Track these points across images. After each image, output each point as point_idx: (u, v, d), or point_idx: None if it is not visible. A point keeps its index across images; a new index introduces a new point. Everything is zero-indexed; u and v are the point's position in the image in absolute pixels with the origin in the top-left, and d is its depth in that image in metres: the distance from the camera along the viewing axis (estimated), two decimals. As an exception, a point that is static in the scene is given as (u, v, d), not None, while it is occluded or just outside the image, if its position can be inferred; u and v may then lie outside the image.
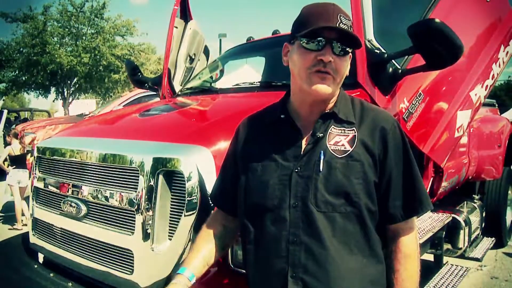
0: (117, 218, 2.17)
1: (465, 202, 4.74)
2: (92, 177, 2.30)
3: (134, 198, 2.06)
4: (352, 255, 1.39)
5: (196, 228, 1.94)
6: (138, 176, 2.06)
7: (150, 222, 2.01)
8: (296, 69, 1.44)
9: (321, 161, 1.39)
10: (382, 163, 1.43)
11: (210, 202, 1.80)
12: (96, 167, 2.29)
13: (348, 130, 1.44)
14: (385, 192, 1.45)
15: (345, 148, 1.41)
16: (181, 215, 1.97)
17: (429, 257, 3.83)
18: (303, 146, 1.44)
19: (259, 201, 1.46)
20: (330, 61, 1.36)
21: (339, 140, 1.43)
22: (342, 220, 1.38)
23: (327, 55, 1.36)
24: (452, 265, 3.81)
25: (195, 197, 1.93)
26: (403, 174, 1.46)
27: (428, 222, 3.63)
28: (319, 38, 1.37)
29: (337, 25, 1.35)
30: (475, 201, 4.91)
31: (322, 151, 1.41)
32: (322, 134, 1.43)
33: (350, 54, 1.45)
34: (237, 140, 1.62)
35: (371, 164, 1.41)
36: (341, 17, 1.36)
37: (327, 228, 1.37)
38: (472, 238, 4.33)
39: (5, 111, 13.68)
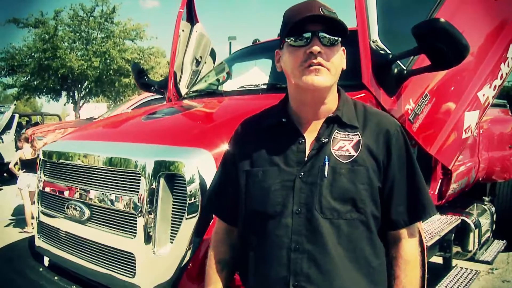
0: (119, 221, 2.17)
1: (475, 204, 4.67)
2: (95, 181, 2.31)
3: (135, 201, 2.06)
4: (356, 263, 1.35)
5: (198, 231, 1.94)
6: (140, 179, 2.06)
7: (152, 225, 2.01)
8: (289, 69, 1.41)
9: (326, 166, 1.36)
10: (385, 168, 1.40)
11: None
12: (99, 170, 2.30)
13: (352, 135, 1.41)
14: (388, 197, 1.41)
15: (349, 153, 1.38)
16: (182, 218, 1.96)
17: (438, 260, 3.78)
18: (307, 151, 1.41)
19: (260, 208, 1.43)
20: (320, 52, 1.34)
21: (343, 145, 1.40)
22: (347, 227, 1.35)
23: (315, 46, 1.33)
24: (462, 268, 3.75)
25: (196, 200, 1.93)
26: (407, 179, 1.43)
27: (437, 225, 3.59)
28: (305, 34, 1.35)
29: (320, 14, 1.33)
30: (485, 203, 4.83)
31: (326, 157, 1.38)
32: (326, 139, 1.40)
33: (343, 48, 1.43)
34: (235, 144, 1.58)
35: (375, 169, 1.38)
36: (323, 9, 1.34)
37: (332, 236, 1.34)
38: (482, 241, 4.26)
39: (17, 116, 13.86)
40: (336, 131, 1.42)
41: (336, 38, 1.37)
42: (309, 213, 1.36)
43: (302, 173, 1.39)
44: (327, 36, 1.35)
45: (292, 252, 1.36)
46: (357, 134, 1.42)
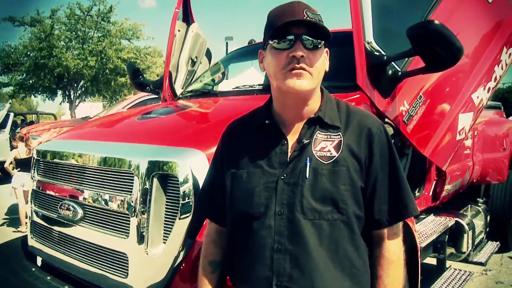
0: (112, 221, 2.16)
1: (469, 205, 4.70)
2: (88, 180, 2.30)
3: (129, 201, 2.05)
4: (339, 264, 1.36)
5: (191, 231, 1.94)
6: (133, 179, 2.05)
7: (145, 225, 2.00)
8: (271, 72, 1.41)
9: (307, 167, 1.37)
10: (367, 168, 1.40)
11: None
12: (92, 170, 2.29)
13: (334, 135, 1.41)
14: (370, 197, 1.42)
15: (331, 154, 1.38)
16: (175, 219, 1.96)
17: (432, 261, 3.80)
18: (289, 152, 1.42)
19: (245, 209, 1.43)
20: (303, 55, 1.33)
21: (324, 145, 1.40)
22: (329, 227, 1.35)
23: (298, 51, 1.33)
24: (455, 269, 3.78)
25: (189, 200, 1.92)
26: (389, 178, 1.43)
27: (431, 226, 3.60)
28: (288, 36, 1.35)
29: (303, 19, 1.33)
30: (479, 204, 4.87)
31: (308, 158, 1.38)
32: (308, 141, 1.41)
33: (327, 49, 1.43)
34: (222, 146, 1.59)
35: (357, 169, 1.38)
36: (307, 12, 1.34)
37: (314, 236, 1.34)
38: (476, 242, 4.28)
39: (12, 114, 13.79)
40: (318, 131, 1.43)
41: (319, 41, 1.37)
42: (290, 214, 1.36)
43: (284, 175, 1.39)
44: (310, 39, 1.35)
45: (274, 253, 1.36)
46: (339, 135, 1.42)
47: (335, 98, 1.52)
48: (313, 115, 1.44)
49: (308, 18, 1.33)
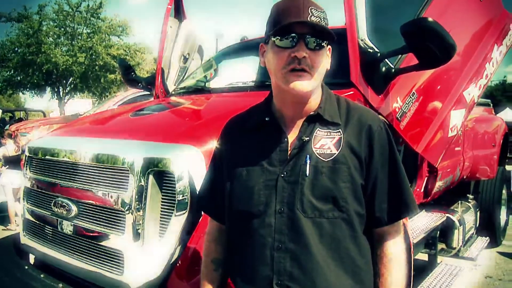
0: (107, 218, 2.14)
1: (460, 201, 4.74)
2: (83, 177, 2.28)
3: (124, 198, 2.04)
4: (340, 262, 1.35)
5: (187, 228, 1.94)
6: (129, 176, 2.04)
7: (141, 222, 1.99)
8: (272, 69, 1.39)
9: (307, 165, 1.35)
10: (368, 165, 1.39)
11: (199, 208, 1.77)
12: (86, 167, 2.27)
13: (334, 132, 1.40)
14: (371, 194, 1.40)
15: (331, 151, 1.37)
16: (171, 215, 1.95)
17: (423, 256, 3.83)
18: (289, 150, 1.40)
19: (244, 207, 1.42)
20: (305, 56, 1.31)
21: (324, 143, 1.38)
22: (329, 226, 1.34)
23: (300, 51, 1.31)
24: (446, 264, 3.81)
25: (185, 197, 1.92)
26: (389, 176, 1.42)
27: (422, 222, 3.64)
28: (291, 35, 1.32)
29: (308, 18, 1.30)
30: (469, 200, 4.91)
31: (308, 155, 1.36)
32: (308, 138, 1.39)
33: (329, 47, 1.41)
34: (221, 144, 1.57)
35: (357, 166, 1.37)
36: (312, 10, 1.31)
37: (314, 235, 1.33)
38: (466, 238, 4.34)
39: (0, 111, 13.64)
40: (318, 129, 1.41)
41: (322, 41, 1.35)
42: (291, 212, 1.35)
43: (284, 173, 1.38)
44: (314, 39, 1.33)
45: (275, 251, 1.35)
46: (339, 132, 1.40)
47: (336, 95, 1.51)
48: (313, 112, 1.42)
49: (313, 17, 1.30)
